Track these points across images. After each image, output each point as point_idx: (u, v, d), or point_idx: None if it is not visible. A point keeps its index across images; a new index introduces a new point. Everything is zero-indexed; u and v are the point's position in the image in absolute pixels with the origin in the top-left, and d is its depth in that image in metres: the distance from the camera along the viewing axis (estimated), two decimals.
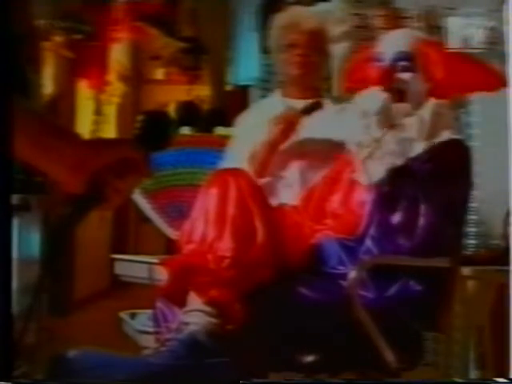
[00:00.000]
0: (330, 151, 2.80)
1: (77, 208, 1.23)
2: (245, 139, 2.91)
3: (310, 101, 2.87)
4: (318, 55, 2.94)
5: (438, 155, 2.48)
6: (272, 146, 2.83)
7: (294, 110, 2.84)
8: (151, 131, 1.28)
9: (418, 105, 2.53)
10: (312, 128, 2.86)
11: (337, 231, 2.49)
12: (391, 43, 2.59)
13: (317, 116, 2.86)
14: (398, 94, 2.54)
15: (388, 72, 2.54)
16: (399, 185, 2.49)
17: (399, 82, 2.54)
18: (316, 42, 2.92)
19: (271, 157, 2.84)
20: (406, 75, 2.54)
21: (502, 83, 2.54)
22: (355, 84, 2.72)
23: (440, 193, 2.43)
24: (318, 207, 2.60)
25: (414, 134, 2.50)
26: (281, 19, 2.99)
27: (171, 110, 6.39)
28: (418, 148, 2.50)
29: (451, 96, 2.69)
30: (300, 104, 2.91)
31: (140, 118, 1.28)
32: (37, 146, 1.17)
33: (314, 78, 2.98)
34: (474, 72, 2.58)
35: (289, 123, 2.81)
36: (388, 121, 2.52)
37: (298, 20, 2.94)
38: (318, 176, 2.76)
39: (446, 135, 2.53)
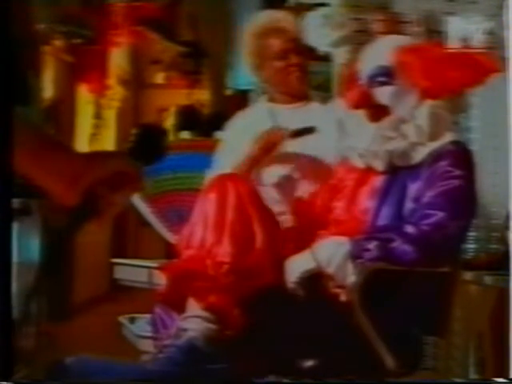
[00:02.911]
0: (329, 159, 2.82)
1: (71, 221, 1.24)
2: (231, 145, 2.90)
3: (303, 126, 2.82)
4: (305, 60, 2.93)
5: (441, 157, 2.48)
6: (252, 162, 2.80)
7: (281, 130, 2.81)
8: (145, 144, 1.28)
9: (410, 112, 2.51)
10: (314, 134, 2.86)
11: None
12: (368, 59, 2.55)
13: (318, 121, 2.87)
14: (380, 110, 2.52)
15: (365, 91, 2.52)
16: (404, 189, 2.48)
17: (380, 98, 2.51)
18: (300, 47, 2.92)
19: (251, 171, 2.81)
20: (384, 89, 2.51)
21: (492, 70, 2.52)
22: (350, 103, 2.70)
23: (445, 195, 2.43)
24: (320, 214, 2.60)
25: (414, 139, 2.49)
26: (257, 27, 2.96)
27: (171, 114, 6.39)
28: (421, 152, 2.49)
29: (445, 95, 2.66)
30: (284, 110, 2.91)
31: (134, 131, 1.29)
32: (33, 159, 1.18)
33: (307, 83, 2.97)
34: (461, 67, 2.54)
35: (271, 143, 2.79)
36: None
37: (281, 26, 2.91)
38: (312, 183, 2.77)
39: (447, 137, 2.52)
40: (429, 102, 2.51)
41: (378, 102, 2.51)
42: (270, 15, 3.00)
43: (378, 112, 2.51)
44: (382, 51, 2.55)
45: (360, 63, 2.57)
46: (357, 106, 2.53)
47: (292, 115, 2.92)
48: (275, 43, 2.90)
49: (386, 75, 2.50)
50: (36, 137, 1.19)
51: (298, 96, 2.96)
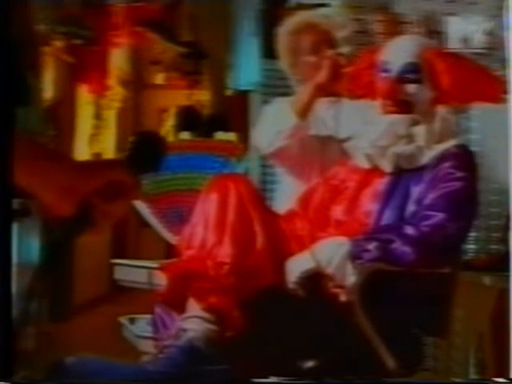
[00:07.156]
0: (335, 155, 2.82)
1: (66, 231, 1.22)
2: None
3: None
4: (337, 53, 2.94)
5: (444, 159, 2.48)
6: (319, 87, 2.82)
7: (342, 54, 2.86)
8: (142, 153, 1.26)
9: (425, 113, 2.53)
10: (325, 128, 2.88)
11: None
12: (398, 53, 2.56)
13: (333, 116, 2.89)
14: (406, 106, 2.53)
15: (395, 85, 2.52)
16: (407, 192, 2.48)
17: (406, 94, 2.53)
18: (332, 41, 2.94)
19: (315, 98, 2.83)
20: (413, 87, 2.53)
21: (505, 93, 2.55)
22: (359, 89, 2.71)
23: (446, 197, 2.43)
24: (321, 215, 2.59)
25: (423, 142, 2.50)
26: (292, 24, 2.98)
27: (171, 114, 6.38)
28: (427, 155, 2.50)
29: (455, 104, 2.68)
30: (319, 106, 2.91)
31: (131, 139, 1.27)
32: (28, 168, 1.16)
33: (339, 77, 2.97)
34: (480, 82, 2.57)
35: (334, 64, 2.82)
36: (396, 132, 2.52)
37: (312, 21, 2.94)
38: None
39: (452, 142, 2.53)
40: (442, 108, 2.53)
41: (404, 98, 2.52)
42: (302, 13, 3.03)
43: (402, 108, 2.52)
44: (411, 47, 2.56)
45: (386, 55, 2.57)
46: (387, 97, 2.53)
47: (326, 111, 2.93)
48: (307, 38, 2.92)
49: (415, 72, 2.51)
50: (31, 145, 1.18)
51: (330, 91, 2.96)
